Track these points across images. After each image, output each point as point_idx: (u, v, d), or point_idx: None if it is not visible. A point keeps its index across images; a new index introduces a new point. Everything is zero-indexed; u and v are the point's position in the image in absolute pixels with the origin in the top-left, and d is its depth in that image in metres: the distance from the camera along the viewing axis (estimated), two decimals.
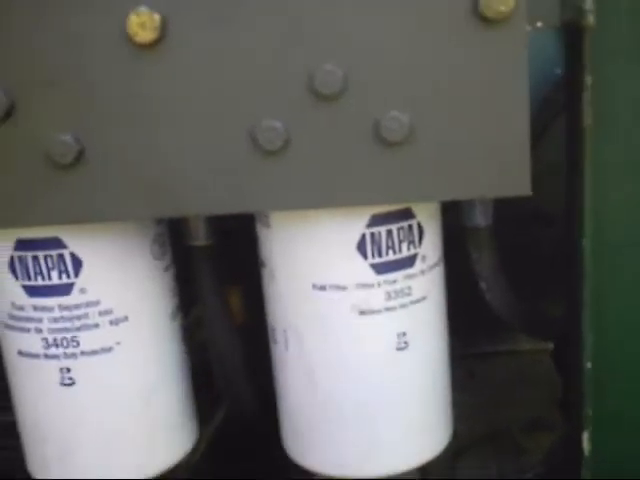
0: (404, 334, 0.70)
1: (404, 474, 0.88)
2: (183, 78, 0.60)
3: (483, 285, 0.76)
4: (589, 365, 0.68)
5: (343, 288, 0.68)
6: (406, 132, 0.60)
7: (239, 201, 0.63)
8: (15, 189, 0.63)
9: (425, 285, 0.71)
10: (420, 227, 0.69)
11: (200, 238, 0.73)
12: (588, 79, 0.63)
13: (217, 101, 0.60)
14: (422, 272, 0.70)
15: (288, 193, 0.62)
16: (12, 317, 0.70)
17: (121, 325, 0.70)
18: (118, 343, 0.70)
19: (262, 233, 0.71)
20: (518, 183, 0.61)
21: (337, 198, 0.63)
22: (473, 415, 0.90)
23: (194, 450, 0.83)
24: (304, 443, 0.74)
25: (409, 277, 0.69)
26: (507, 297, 0.77)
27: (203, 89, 0.60)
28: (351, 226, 0.67)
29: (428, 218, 0.70)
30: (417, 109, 0.60)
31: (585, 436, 0.69)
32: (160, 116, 0.61)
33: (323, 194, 0.62)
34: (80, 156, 0.61)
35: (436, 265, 0.72)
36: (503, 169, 0.61)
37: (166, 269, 0.74)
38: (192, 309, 0.83)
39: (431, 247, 0.71)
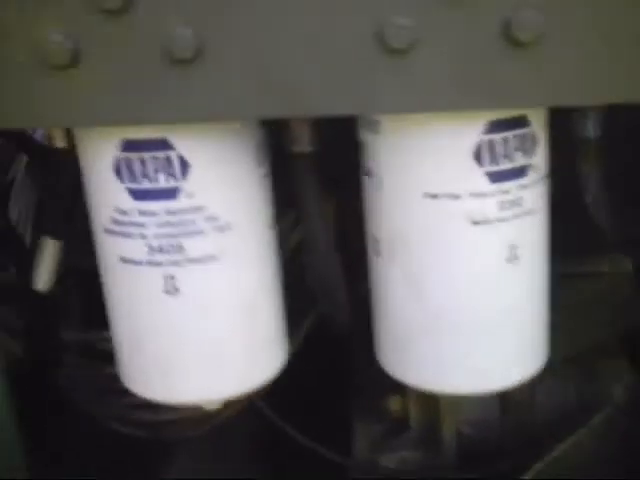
0: (514, 246, 0.69)
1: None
2: None
3: (588, 198, 0.74)
4: None
5: (457, 197, 0.66)
6: (538, 32, 0.58)
7: (360, 103, 0.61)
8: (129, 84, 0.61)
9: (535, 197, 0.69)
10: (534, 137, 0.68)
11: (304, 144, 0.71)
12: None
13: None
14: (533, 183, 0.69)
15: (412, 96, 0.60)
16: (115, 222, 0.68)
17: (226, 232, 0.69)
18: (222, 251, 0.69)
19: (370, 140, 0.69)
20: None
21: (462, 101, 0.61)
22: (553, 336, 0.89)
23: None
24: (407, 358, 0.73)
25: (522, 187, 0.68)
26: (611, 212, 0.75)
27: None
28: (468, 133, 0.65)
29: (542, 128, 0.68)
30: (551, 8, 0.58)
31: None
32: (284, 12, 0.59)
33: (448, 97, 0.60)
34: (199, 51, 0.59)
35: (545, 177, 0.70)
36: (634, 75, 0.60)
37: (266, 176, 0.72)
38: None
39: (542, 158, 0.69)
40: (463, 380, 0.72)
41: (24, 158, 1.12)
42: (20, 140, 1.03)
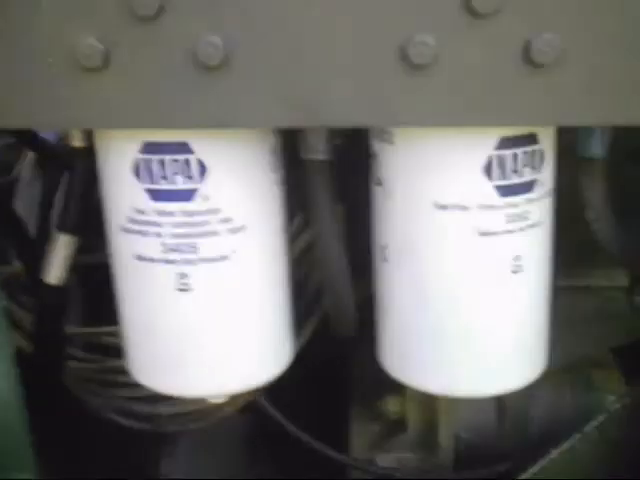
0: (519, 257, 0.71)
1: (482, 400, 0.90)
2: None
3: (592, 214, 0.76)
4: None
5: (465, 208, 0.68)
6: (557, 54, 0.60)
7: (382, 115, 0.63)
8: (156, 88, 0.62)
9: (541, 211, 0.71)
10: (542, 153, 0.70)
11: (320, 152, 0.72)
12: None
13: (370, 13, 0.60)
14: (539, 198, 0.71)
15: (430, 110, 0.62)
16: (132, 221, 0.70)
17: (239, 234, 0.71)
18: (234, 252, 0.71)
19: (382, 150, 0.71)
20: None
21: (479, 116, 0.63)
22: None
23: None
24: (411, 362, 0.75)
25: (529, 201, 0.70)
26: (613, 228, 0.77)
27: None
28: (480, 148, 0.67)
29: (550, 145, 0.70)
30: (569, 33, 0.60)
31: None
32: (310, 25, 0.61)
33: (466, 112, 0.62)
34: (227, 59, 0.61)
35: (551, 192, 0.73)
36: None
37: (279, 181, 0.74)
38: None
39: (549, 174, 0.72)
40: (464, 383, 0.74)
41: (30, 156, 1.15)
42: (28, 138, 1.04)
